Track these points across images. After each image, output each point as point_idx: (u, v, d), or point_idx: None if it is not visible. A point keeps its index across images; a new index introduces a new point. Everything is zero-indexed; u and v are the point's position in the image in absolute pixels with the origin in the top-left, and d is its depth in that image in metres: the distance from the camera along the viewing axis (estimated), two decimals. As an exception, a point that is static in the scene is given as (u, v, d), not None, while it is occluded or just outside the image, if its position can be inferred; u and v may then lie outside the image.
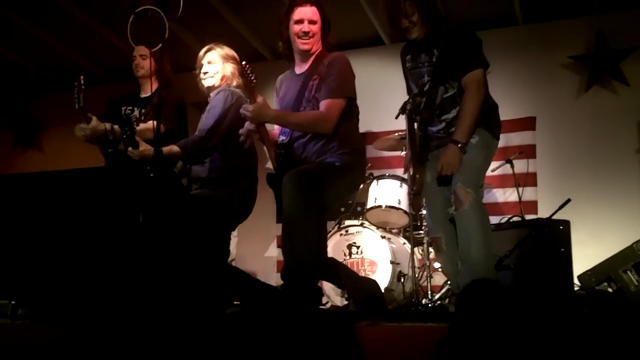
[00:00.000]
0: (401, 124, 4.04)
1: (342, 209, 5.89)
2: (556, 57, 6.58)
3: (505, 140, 6.48)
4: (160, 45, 3.38)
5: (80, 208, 2.84)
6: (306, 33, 3.84)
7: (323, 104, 3.72)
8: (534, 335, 2.35)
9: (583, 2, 6.42)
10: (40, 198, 2.95)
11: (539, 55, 6.67)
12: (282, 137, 3.85)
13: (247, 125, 3.77)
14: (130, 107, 4.80)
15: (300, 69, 3.97)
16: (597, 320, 2.61)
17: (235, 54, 4.40)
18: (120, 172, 3.09)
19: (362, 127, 6.74)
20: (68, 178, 3.02)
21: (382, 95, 6.31)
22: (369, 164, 6.50)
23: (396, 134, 5.81)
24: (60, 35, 7.30)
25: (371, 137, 6.77)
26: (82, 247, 2.80)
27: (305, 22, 3.84)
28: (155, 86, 4.57)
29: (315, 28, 3.86)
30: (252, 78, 3.66)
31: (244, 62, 3.72)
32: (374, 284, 4.01)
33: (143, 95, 4.88)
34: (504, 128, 6.34)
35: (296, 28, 3.86)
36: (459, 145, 3.43)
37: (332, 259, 4.05)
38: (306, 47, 3.87)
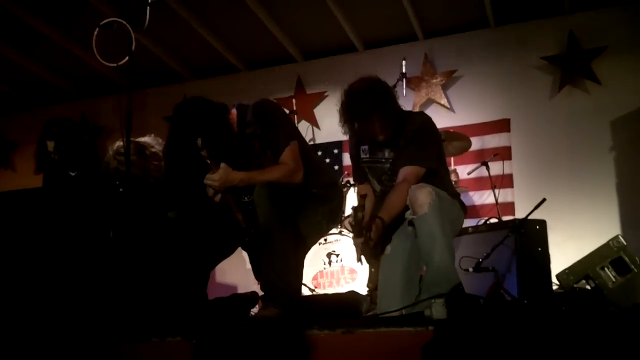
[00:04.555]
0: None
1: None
2: (528, 58, 6.61)
3: (480, 142, 6.51)
4: (127, 58, 3.33)
5: (49, 225, 2.79)
6: None
7: (283, 157, 3.47)
8: (517, 336, 2.34)
9: (553, 3, 6.46)
10: (8, 217, 2.90)
11: (512, 57, 6.70)
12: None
13: (210, 193, 3.48)
14: None
15: None
16: (577, 318, 2.60)
17: (138, 143, 4.01)
18: (90, 189, 3.04)
19: (338, 135, 6.86)
20: (35, 196, 2.97)
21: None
22: (346, 172, 6.50)
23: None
24: (29, 53, 7.22)
25: (347, 144, 6.76)
26: (52, 265, 2.75)
27: None
28: None
29: None
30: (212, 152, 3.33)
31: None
32: None
33: None
34: (479, 130, 6.49)
35: None
36: (382, 222, 3.26)
37: None
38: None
